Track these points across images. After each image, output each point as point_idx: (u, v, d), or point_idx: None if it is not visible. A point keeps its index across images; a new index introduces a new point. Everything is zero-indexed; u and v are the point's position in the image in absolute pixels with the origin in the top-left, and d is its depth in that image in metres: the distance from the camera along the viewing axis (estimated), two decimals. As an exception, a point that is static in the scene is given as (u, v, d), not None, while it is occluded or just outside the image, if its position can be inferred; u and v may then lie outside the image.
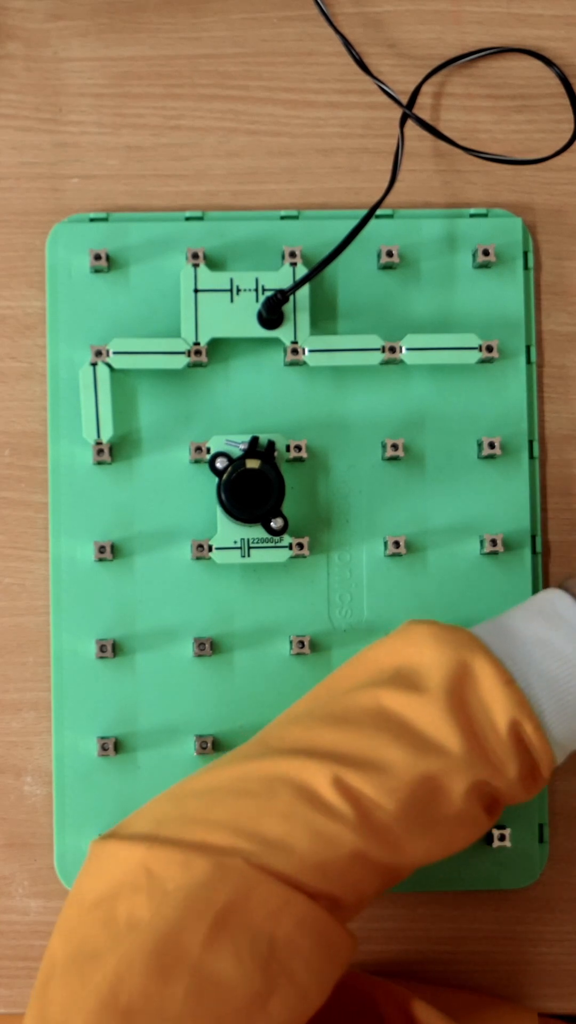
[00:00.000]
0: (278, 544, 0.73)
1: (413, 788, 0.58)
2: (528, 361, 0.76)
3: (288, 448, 0.74)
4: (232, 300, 0.74)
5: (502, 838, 0.73)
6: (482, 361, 0.74)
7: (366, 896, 0.60)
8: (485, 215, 0.77)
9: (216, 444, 0.73)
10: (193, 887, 0.56)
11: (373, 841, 0.58)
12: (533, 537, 0.76)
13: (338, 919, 0.58)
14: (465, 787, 0.59)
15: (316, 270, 0.71)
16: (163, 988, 0.54)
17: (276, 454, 0.73)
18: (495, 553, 0.75)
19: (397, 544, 0.74)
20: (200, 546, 0.73)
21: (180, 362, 0.73)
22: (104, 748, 0.73)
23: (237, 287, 0.74)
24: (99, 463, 0.74)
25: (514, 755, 0.59)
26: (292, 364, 0.75)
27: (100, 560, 0.74)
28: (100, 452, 0.74)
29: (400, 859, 0.59)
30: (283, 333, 0.74)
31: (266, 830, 0.57)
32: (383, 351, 0.74)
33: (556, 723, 0.60)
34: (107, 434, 0.73)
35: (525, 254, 0.77)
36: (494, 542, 0.74)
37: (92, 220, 0.76)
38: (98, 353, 0.73)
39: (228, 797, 0.59)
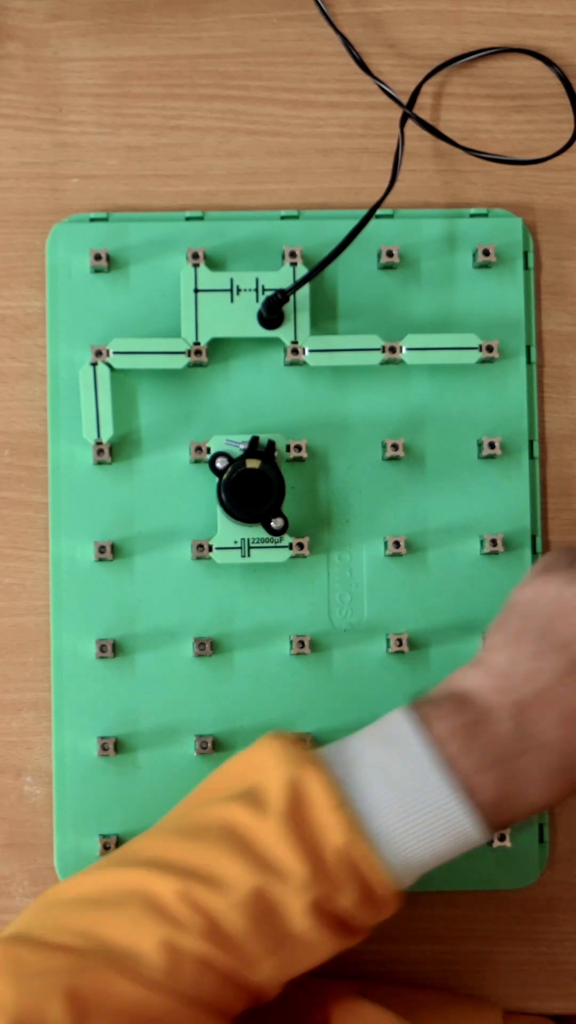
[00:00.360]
0: (278, 544, 0.73)
1: (252, 903, 0.59)
2: (528, 361, 0.76)
3: (288, 448, 0.74)
4: (232, 300, 0.74)
5: (502, 838, 0.73)
6: (482, 361, 0.74)
7: (230, 1011, 0.61)
8: (485, 215, 0.77)
9: (216, 444, 0.73)
10: (55, 971, 0.57)
11: (220, 951, 0.59)
12: (533, 537, 0.76)
13: None
14: (303, 906, 0.59)
15: (316, 270, 0.71)
16: None
17: (276, 454, 0.73)
18: (495, 553, 0.75)
19: (397, 544, 0.74)
20: (200, 546, 0.73)
21: (180, 362, 0.73)
22: (104, 748, 0.73)
23: (237, 287, 0.74)
24: (99, 463, 0.74)
25: (349, 878, 0.60)
26: (292, 364, 0.75)
27: (100, 560, 0.74)
28: (100, 452, 0.74)
29: (251, 974, 0.60)
30: (283, 333, 0.74)
31: (118, 939, 0.59)
32: (383, 351, 0.74)
33: (392, 848, 0.60)
34: (107, 434, 0.73)
35: (525, 254, 0.77)
36: (494, 542, 0.74)
37: (92, 220, 0.76)
38: (98, 353, 0.73)
39: (87, 907, 0.61)
